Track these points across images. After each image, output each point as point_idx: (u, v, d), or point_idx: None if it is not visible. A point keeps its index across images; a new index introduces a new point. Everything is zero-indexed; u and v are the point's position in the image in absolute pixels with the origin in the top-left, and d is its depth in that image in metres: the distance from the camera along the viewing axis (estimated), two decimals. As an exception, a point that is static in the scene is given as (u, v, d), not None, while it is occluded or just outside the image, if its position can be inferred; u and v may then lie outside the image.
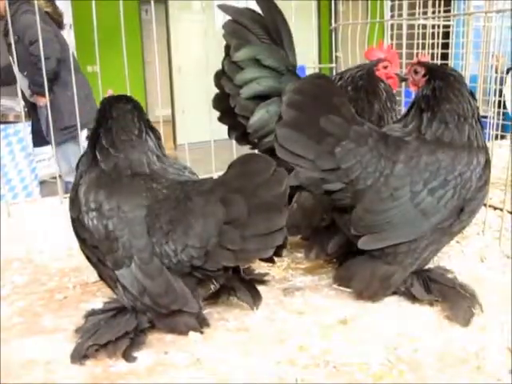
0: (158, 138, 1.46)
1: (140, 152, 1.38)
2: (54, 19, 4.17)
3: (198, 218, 1.23)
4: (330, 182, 1.38)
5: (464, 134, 1.42)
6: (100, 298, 1.52)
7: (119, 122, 1.40)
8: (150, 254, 1.26)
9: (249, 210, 1.20)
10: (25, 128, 4.24)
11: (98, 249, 1.31)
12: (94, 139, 1.41)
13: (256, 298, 1.43)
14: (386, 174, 1.38)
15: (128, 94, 1.49)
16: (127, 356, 1.24)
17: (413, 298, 1.46)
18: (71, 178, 3.77)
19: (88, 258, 1.39)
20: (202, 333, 1.33)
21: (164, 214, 1.27)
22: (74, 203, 1.35)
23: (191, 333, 1.34)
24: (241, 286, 1.42)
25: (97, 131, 1.41)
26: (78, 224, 1.34)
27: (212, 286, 1.34)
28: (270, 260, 1.33)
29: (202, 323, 1.34)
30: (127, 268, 1.27)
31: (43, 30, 2.71)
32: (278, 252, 1.28)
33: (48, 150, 5.56)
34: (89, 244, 1.33)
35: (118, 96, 1.47)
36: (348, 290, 1.52)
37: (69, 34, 6.20)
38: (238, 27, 1.74)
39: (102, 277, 1.39)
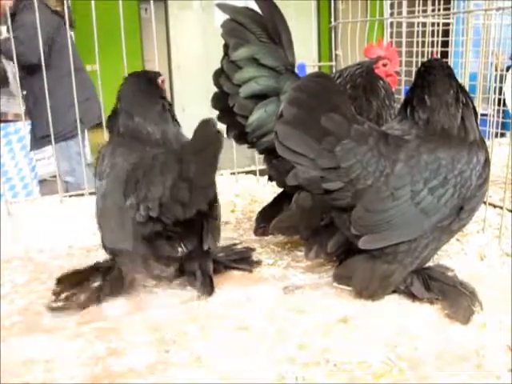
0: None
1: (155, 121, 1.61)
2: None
3: (158, 174, 1.39)
4: (330, 180, 1.38)
5: (456, 120, 1.43)
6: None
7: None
8: (120, 194, 1.45)
9: (196, 167, 1.34)
10: (25, 127, 4.23)
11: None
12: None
13: (206, 287, 1.53)
14: (387, 173, 1.38)
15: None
16: (101, 295, 1.46)
17: (413, 297, 1.46)
18: (71, 178, 3.75)
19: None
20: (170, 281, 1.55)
21: (139, 169, 1.45)
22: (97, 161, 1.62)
23: (191, 330, 1.34)
24: (200, 275, 1.55)
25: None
26: (96, 178, 1.59)
27: (179, 249, 1.48)
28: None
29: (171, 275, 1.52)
30: (100, 181, 1.53)
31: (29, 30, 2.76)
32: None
33: (48, 149, 5.56)
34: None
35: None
36: (348, 288, 1.52)
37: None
38: (237, 26, 1.73)
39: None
